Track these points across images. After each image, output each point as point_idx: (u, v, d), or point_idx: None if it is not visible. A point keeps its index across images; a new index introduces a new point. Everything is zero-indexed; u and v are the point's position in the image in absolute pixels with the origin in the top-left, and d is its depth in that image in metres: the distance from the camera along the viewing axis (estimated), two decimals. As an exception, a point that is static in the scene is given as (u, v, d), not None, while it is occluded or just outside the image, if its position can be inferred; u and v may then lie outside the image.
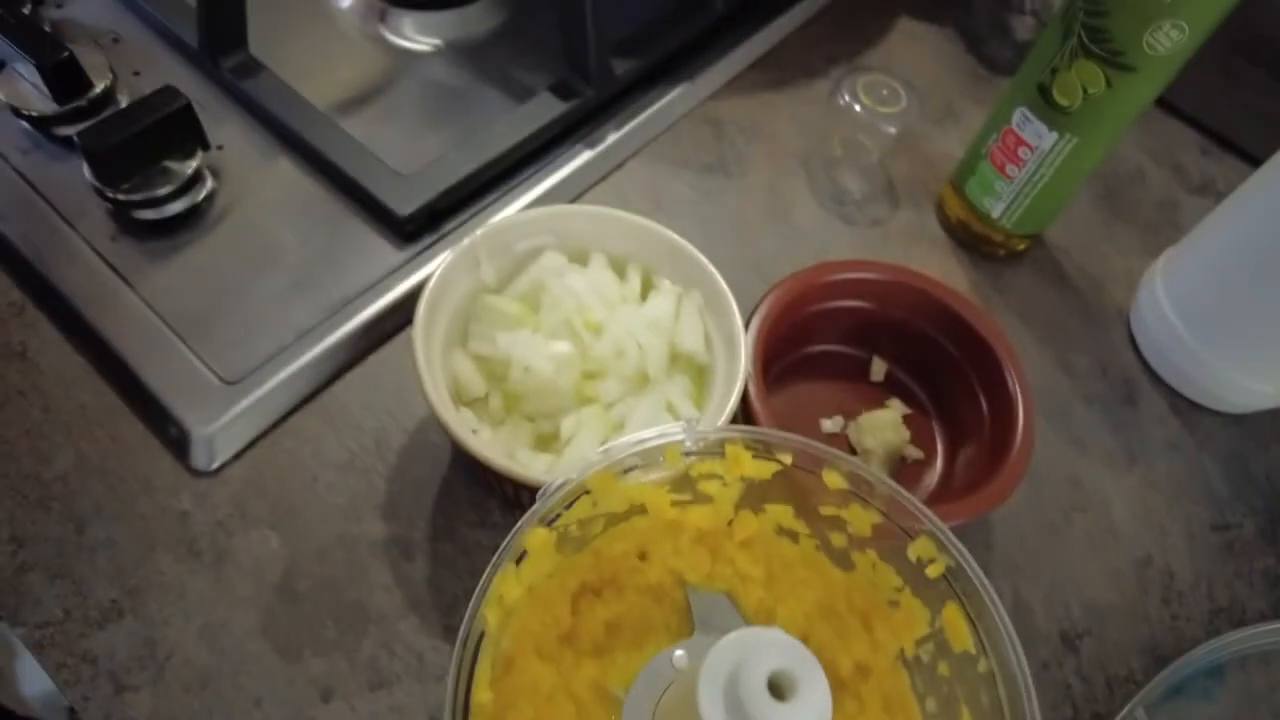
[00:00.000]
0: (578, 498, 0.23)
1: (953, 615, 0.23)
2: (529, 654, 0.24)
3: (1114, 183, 0.48)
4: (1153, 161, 0.50)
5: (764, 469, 0.24)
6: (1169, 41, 0.32)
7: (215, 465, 0.32)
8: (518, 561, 0.22)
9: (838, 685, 0.25)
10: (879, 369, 0.36)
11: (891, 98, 0.40)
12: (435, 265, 0.30)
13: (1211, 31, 0.32)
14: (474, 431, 0.30)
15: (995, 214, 0.40)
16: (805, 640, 0.26)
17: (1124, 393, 0.40)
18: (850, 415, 0.35)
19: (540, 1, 0.47)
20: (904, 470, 0.35)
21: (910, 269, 0.34)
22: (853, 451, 0.35)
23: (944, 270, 0.42)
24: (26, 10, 0.40)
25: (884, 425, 0.34)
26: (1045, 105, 0.36)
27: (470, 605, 0.20)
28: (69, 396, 0.33)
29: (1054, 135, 0.36)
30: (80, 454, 0.32)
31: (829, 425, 0.35)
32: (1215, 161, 0.50)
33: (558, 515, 0.22)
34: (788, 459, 0.24)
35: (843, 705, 0.25)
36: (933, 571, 0.23)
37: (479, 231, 0.31)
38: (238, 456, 0.33)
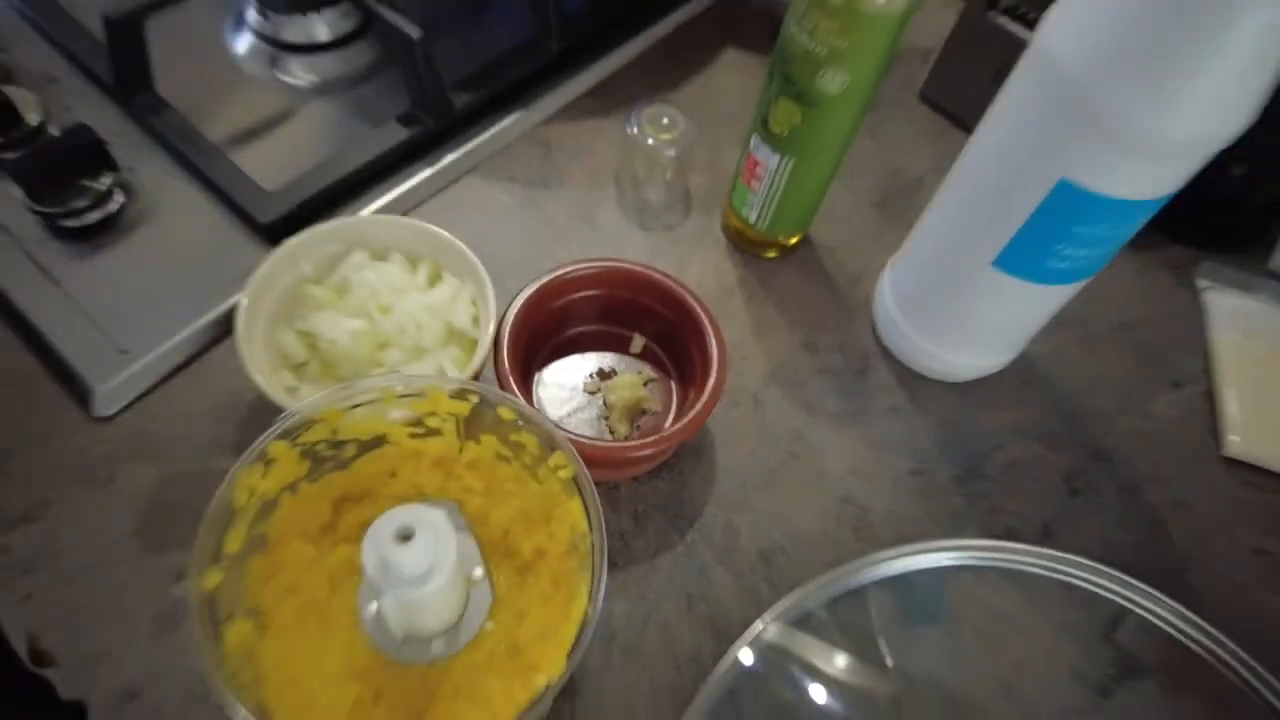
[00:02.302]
0: (310, 424, 0.32)
1: (575, 505, 0.32)
2: (292, 538, 0.34)
3: (892, 191, 0.57)
4: (936, 172, 0.58)
5: (458, 406, 0.34)
6: (836, 84, 0.41)
7: (110, 413, 0.42)
8: (266, 464, 0.32)
9: (524, 567, 0.35)
10: (638, 343, 0.46)
11: (671, 125, 0.50)
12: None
13: (877, 74, 0.41)
14: (293, 388, 0.39)
15: (752, 220, 0.49)
16: (506, 534, 0.35)
17: (858, 367, 0.49)
18: (607, 379, 0.45)
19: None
20: (642, 418, 0.44)
21: (628, 260, 0.43)
22: (606, 405, 0.44)
23: (715, 268, 0.51)
24: (-25, 58, 0.51)
25: (623, 386, 0.43)
26: (767, 133, 0.45)
27: (221, 487, 0.30)
28: (-2, 362, 0.43)
29: (777, 156, 0.45)
30: (4, 405, 0.42)
31: (588, 387, 0.44)
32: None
33: (298, 434, 0.32)
34: (475, 399, 0.33)
35: (525, 580, 0.34)
36: (564, 475, 0.32)
37: (295, 238, 0.41)
38: (128, 407, 0.43)
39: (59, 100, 0.51)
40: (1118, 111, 0.32)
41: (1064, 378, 0.52)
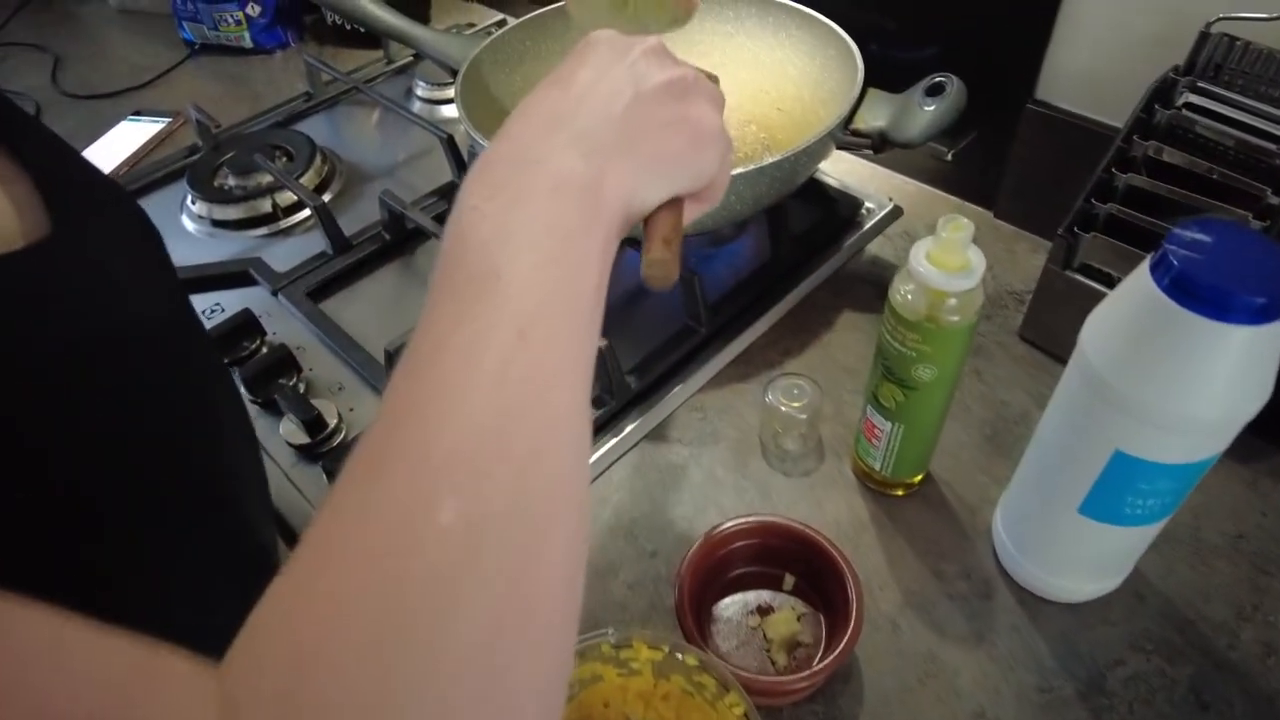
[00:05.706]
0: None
1: (748, 736, 0.42)
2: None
3: (1000, 425, 0.66)
4: (1036, 406, 0.67)
5: (654, 654, 0.45)
6: (928, 374, 0.52)
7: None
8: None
9: (708, 779, 0.44)
10: (789, 581, 0.56)
11: (800, 395, 0.62)
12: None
13: (959, 364, 0.52)
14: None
15: (876, 468, 0.60)
16: (692, 752, 0.45)
17: (982, 590, 0.57)
18: (766, 614, 0.55)
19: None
20: (797, 649, 0.53)
21: (775, 515, 0.54)
22: (767, 638, 0.54)
23: (849, 506, 0.62)
24: (293, 382, 0.71)
25: (781, 622, 0.53)
26: (879, 405, 0.56)
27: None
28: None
29: (889, 424, 0.56)
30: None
31: (750, 621, 0.55)
32: (1086, 403, 0.66)
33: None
34: (665, 647, 0.45)
35: (711, 792, 0.44)
36: (738, 712, 0.43)
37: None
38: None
39: (346, 401, 0.70)
40: (1143, 403, 0.42)
41: (1178, 591, 0.57)
